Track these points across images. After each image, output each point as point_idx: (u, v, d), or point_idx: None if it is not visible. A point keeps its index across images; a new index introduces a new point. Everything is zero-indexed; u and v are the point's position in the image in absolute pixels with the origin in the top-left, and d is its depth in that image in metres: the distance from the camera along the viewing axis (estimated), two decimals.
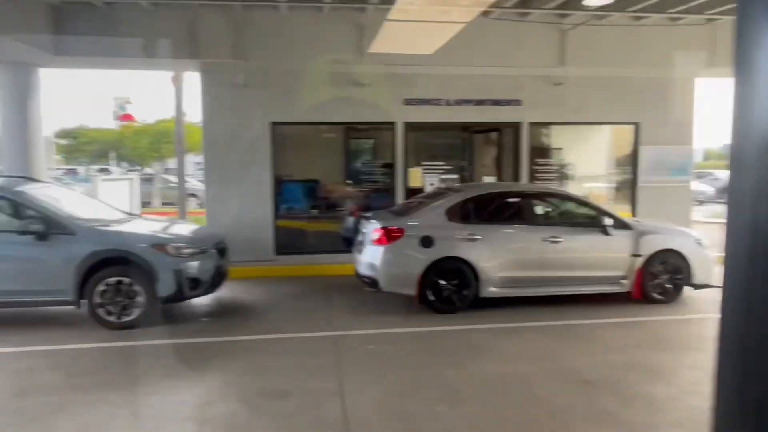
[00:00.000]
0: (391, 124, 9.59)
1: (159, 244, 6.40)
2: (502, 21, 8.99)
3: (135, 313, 6.25)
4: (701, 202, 23.29)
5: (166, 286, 6.29)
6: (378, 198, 9.87)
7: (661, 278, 7.12)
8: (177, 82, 11.81)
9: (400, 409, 4.23)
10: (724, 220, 0.97)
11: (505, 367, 5.13)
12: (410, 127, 9.68)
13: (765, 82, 0.53)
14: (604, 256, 7.08)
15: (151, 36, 8.50)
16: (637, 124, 10.21)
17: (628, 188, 10.62)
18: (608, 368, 5.06)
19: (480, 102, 9.63)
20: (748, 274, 0.61)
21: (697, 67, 9.90)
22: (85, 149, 34.44)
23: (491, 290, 6.84)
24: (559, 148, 11.20)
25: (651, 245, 7.09)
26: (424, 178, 9.84)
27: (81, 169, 33.87)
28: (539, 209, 7.54)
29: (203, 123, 9.16)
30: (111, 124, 31.67)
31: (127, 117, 29.88)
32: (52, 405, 4.29)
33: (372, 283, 6.84)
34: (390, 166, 9.89)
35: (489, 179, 10.57)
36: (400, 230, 6.78)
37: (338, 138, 10.30)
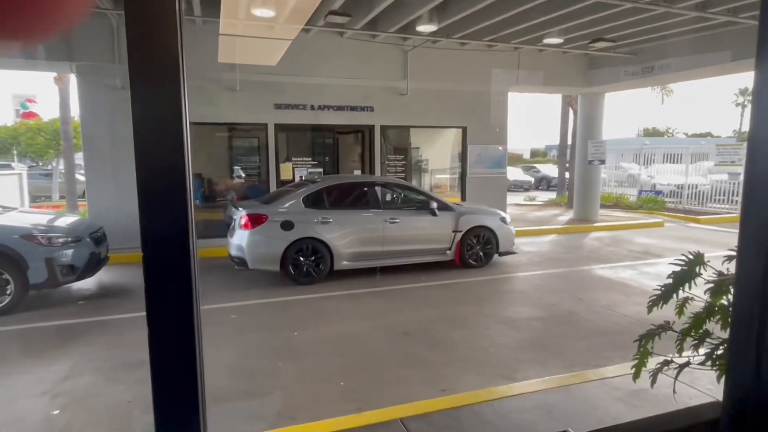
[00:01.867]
0: (263, 125, 9.36)
1: (29, 235, 5.76)
2: (354, 40, 9.08)
3: (5, 301, 5.58)
4: (526, 189, 25.46)
5: (37, 274, 5.69)
6: (255, 189, 9.64)
7: (475, 248, 7.69)
8: (60, 82, 10.61)
9: (246, 367, 4.20)
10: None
11: (342, 326, 5.27)
12: (280, 128, 9.53)
13: None
14: (432, 233, 7.48)
15: None
16: (464, 128, 10.86)
17: (461, 179, 11.31)
18: (424, 321, 5.39)
19: (339, 107, 9.69)
20: None
21: (508, 84, 10.72)
22: None
23: (344, 264, 6.98)
24: (417, 147, 11.67)
25: (467, 223, 7.61)
26: (294, 171, 9.75)
27: None
28: (381, 196, 7.79)
29: (81, 122, 8.31)
30: (11, 121, 27.70)
31: (31, 115, 26.22)
32: None
33: (241, 262, 6.70)
34: (265, 162, 9.68)
35: (357, 172, 10.74)
36: (264, 216, 6.69)
37: (222, 137, 9.89)
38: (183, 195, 0.61)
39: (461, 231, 7.54)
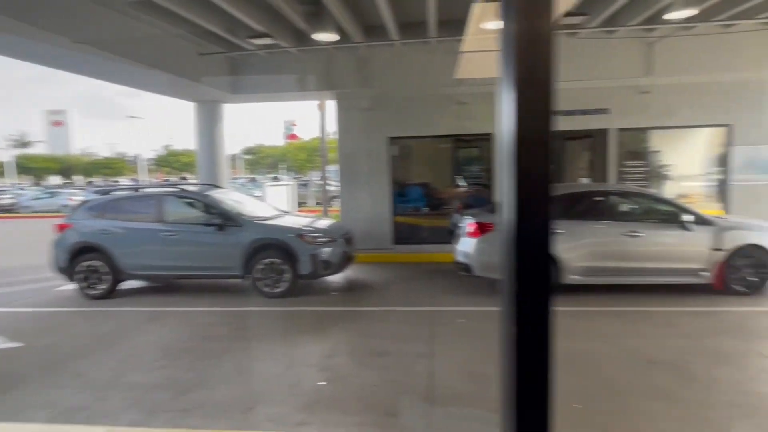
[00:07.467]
0: (488, 135, 9.49)
1: (300, 234, 7.04)
2: (588, 39, 8.48)
3: (283, 287, 6.93)
4: None
5: (305, 267, 6.91)
6: (479, 197, 9.83)
7: (745, 271, 6.31)
8: (321, 107, 12.69)
9: (476, 371, 4.30)
10: None
11: (572, 344, 4.91)
12: None
13: None
14: (682, 250, 6.43)
15: (298, 74, 9.30)
16: (729, 126, 9.03)
17: (722, 187, 9.43)
18: (674, 351, 4.65)
19: (569, 112, 9.16)
20: None
21: None
22: (262, 162, 38.08)
23: (572, 278, 6.56)
24: (657, 151, 10.24)
25: (733, 240, 6.31)
26: None
27: (259, 177, 37.55)
28: (617, 206, 7.06)
29: (337, 139, 9.80)
30: (281, 142, 34.74)
31: (293, 137, 32.58)
32: (222, 348, 5.00)
33: (466, 268, 6.90)
34: (489, 171, 9.80)
35: (585, 180, 10.03)
36: (491, 225, 6.76)
37: (447, 148, 10.39)
38: (546, 202, 0.67)
39: (724, 250, 6.29)
